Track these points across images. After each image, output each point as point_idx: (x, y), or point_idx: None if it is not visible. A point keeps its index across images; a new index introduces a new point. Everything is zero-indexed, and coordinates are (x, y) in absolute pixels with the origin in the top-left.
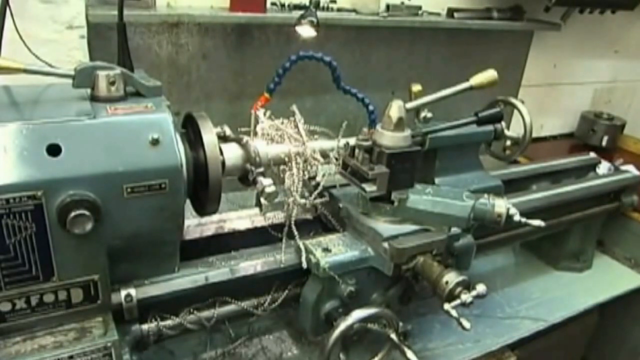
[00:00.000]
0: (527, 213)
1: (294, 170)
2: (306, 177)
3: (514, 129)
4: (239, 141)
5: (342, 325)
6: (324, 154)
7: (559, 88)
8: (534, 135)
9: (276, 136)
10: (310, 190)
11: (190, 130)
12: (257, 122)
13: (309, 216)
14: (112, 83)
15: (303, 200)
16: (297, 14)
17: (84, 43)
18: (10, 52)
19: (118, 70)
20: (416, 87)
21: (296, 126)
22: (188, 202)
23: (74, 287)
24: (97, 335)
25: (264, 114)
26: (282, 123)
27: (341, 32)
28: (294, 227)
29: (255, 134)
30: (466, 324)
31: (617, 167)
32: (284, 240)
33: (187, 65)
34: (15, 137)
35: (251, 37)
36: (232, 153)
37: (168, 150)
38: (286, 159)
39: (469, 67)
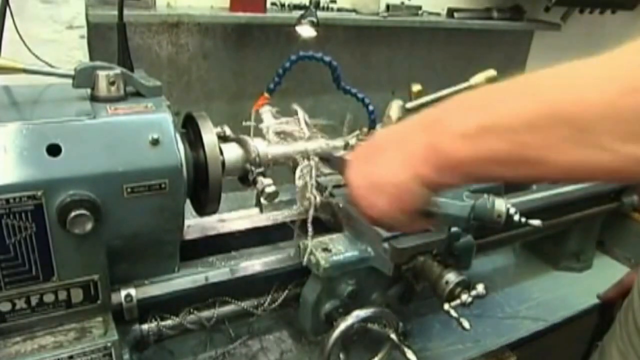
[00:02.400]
0: (527, 213)
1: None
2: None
3: None
4: (239, 141)
5: (342, 325)
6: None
7: None
8: None
9: (282, 134)
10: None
11: (190, 130)
12: (260, 120)
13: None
14: (112, 83)
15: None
16: (297, 14)
17: (84, 43)
18: (10, 52)
19: (118, 70)
20: (416, 87)
21: (300, 124)
22: (188, 202)
23: (74, 287)
24: (97, 335)
25: (269, 112)
26: (287, 122)
27: (341, 32)
28: (309, 225)
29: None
30: (466, 324)
31: None
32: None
33: (187, 65)
34: (15, 137)
35: (251, 37)
36: (232, 153)
37: (168, 150)
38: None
39: (469, 67)
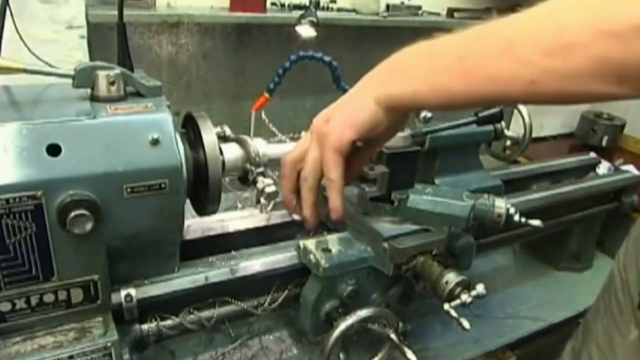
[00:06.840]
0: (527, 213)
1: None
2: None
3: (514, 129)
4: (239, 141)
5: (342, 325)
6: None
7: None
8: (534, 135)
9: None
10: None
11: (190, 130)
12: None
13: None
14: (112, 83)
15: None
16: (297, 14)
17: (84, 43)
18: (10, 52)
19: (118, 70)
20: None
21: None
22: (188, 202)
23: (74, 287)
24: (97, 335)
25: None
26: None
27: (341, 32)
28: None
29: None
30: (466, 324)
31: (617, 167)
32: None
33: (187, 65)
34: (15, 137)
35: (251, 37)
36: (232, 153)
37: (168, 150)
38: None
39: None
